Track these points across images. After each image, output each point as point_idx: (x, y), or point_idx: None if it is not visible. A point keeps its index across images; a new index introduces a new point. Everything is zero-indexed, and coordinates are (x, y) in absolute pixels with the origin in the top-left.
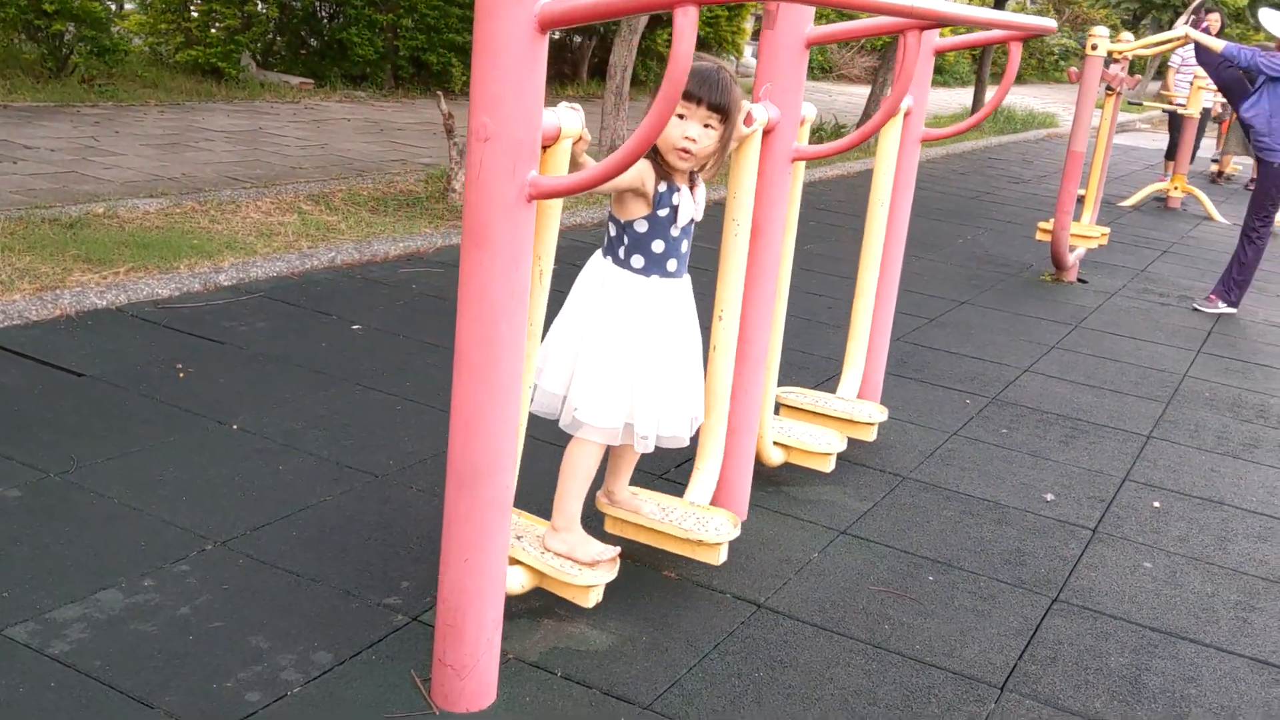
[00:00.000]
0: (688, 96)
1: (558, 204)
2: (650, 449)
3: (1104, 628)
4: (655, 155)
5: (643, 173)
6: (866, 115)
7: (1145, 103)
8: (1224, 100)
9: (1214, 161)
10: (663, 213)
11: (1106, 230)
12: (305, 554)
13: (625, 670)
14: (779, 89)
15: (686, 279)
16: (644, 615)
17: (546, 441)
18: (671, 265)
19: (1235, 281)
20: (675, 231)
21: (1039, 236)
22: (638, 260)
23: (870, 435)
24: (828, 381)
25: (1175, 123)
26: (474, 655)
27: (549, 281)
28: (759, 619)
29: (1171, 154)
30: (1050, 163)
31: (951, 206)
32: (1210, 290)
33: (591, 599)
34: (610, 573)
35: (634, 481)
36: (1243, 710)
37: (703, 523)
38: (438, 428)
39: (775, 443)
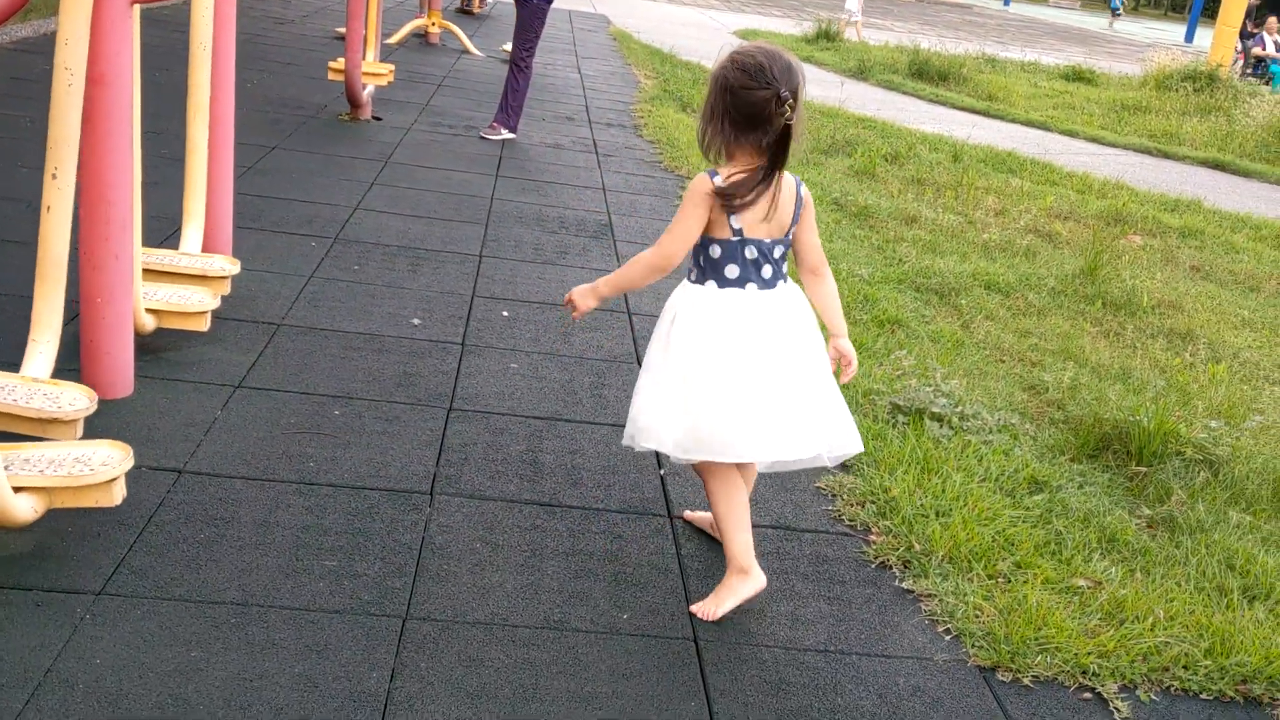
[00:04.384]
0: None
1: None
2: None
3: (497, 424)
4: None
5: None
6: None
7: None
8: None
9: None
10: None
11: (392, 67)
12: None
13: (62, 565)
14: None
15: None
16: (59, 509)
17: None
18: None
19: (511, 108)
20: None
21: (331, 76)
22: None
23: (225, 289)
24: (166, 241)
25: None
26: None
27: None
28: (185, 484)
29: None
30: (307, 3)
31: None
32: (492, 119)
33: (117, 494)
34: (129, 460)
35: None
36: (619, 467)
37: (54, 399)
38: None
39: (146, 309)
